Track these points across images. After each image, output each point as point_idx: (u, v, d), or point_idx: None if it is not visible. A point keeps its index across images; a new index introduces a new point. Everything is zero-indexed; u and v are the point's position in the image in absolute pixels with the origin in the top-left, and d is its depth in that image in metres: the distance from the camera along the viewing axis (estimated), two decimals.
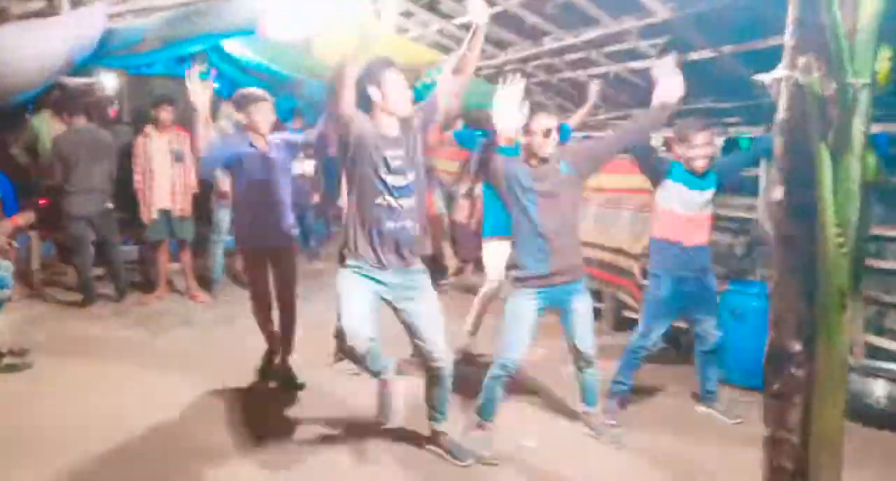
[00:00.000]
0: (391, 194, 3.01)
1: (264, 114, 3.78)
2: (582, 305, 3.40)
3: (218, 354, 4.72)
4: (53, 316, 5.67)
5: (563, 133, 4.17)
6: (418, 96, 5.52)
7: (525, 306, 3.31)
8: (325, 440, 3.50)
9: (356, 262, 3.04)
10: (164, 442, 3.44)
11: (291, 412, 3.80)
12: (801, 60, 1.55)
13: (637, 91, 5.44)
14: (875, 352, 4.12)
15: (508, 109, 3.06)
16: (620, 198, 5.65)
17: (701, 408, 3.99)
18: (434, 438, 3.37)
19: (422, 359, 3.22)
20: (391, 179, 3.00)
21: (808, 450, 1.78)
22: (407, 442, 3.45)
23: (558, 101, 6.25)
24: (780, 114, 1.69)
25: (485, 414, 3.45)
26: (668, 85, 3.21)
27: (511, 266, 3.39)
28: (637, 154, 3.73)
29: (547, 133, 3.26)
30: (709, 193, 3.73)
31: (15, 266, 4.77)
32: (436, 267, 5.02)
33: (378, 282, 3.05)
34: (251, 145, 3.79)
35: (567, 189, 3.34)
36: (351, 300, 2.98)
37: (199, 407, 3.85)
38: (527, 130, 3.28)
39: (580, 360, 3.48)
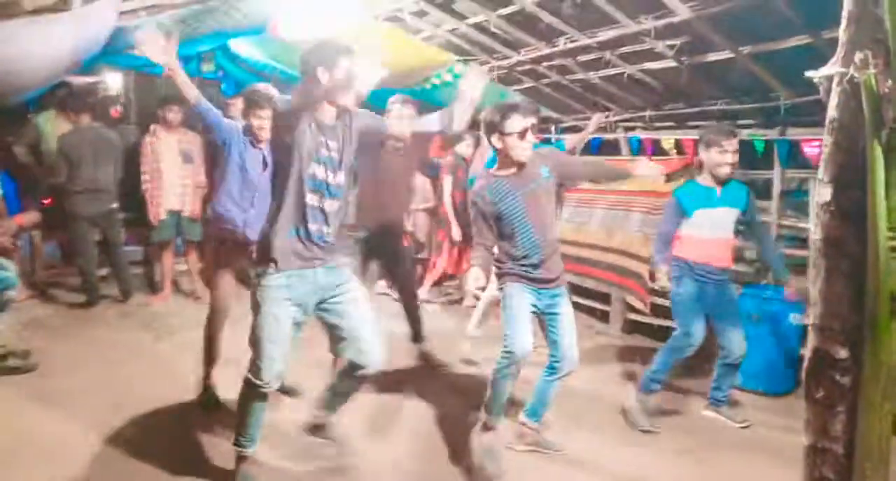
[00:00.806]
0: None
1: (263, 123, 3.69)
2: (568, 309, 3.31)
3: (223, 358, 4.62)
4: (57, 317, 5.59)
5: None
6: (427, 97, 5.52)
7: (521, 297, 3.22)
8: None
9: None
10: (166, 444, 3.36)
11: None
12: (858, 55, 1.49)
13: (650, 93, 5.39)
14: None
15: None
16: (630, 199, 5.61)
17: (708, 413, 3.95)
18: (316, 428, 3.18)
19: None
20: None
21: (853, 461, 1.73)
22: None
23: (569, 102, 6.19)
24: (830, 112, 1.63)
25: (492, 410, 3.30)
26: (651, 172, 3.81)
27: (501, 274, 3.30)
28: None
29: (523, 134, 3.12)
30: (735, 213, 3.73)
31: (19, 266, 4.70)
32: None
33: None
34: (254, 145, 3.69)
35: (548, 194, 3.26)
36: None
37: (203, 411, 3.76)
38: (501, 133, 3.13)
39: (564, 366, 3.25)
